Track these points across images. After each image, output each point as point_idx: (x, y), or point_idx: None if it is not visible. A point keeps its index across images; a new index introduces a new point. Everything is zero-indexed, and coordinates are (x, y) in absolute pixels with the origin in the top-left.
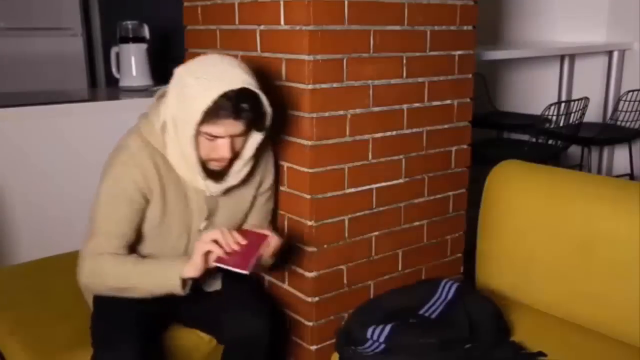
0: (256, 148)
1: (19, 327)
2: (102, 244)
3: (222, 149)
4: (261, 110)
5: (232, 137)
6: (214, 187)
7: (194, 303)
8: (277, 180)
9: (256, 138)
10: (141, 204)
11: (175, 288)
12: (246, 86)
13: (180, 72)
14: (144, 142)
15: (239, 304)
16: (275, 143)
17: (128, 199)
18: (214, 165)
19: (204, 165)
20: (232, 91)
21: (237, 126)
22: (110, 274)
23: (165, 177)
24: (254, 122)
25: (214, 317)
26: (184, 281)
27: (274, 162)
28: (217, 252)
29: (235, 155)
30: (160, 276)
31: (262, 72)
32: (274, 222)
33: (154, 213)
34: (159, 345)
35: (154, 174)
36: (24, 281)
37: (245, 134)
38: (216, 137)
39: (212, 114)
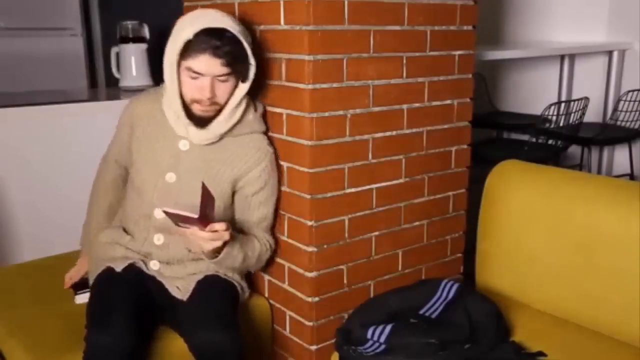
0: (241, 99)
1: (19, 327)
2: (109, 160)
3: (204, 88)
4: (243, 55)
5: (214, 78)
6: (195, 133)
7: (175, 308)
8: (279, 185)
9: (241, 89)
10: (128, 132)
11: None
12: (228, 28)
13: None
14: (154, 95)
15: (202, 316)
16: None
17: (123, 125)
18: (197, 109)
19: (188, 111)
20: (214, 28)
21: (217, 65)
22: (95, 183)
23: (153, 122)
24: (234, 66)
25: (184, 327)
26: None
27: (276, 165)
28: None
29: (219, 104)
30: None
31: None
32: (275, 223)
33: (133, 143)
34: (148, 337)
35: (144, 114)
36: (24, 281)
37: (228, 78)
38: (198, 73)
39: (193, 47)
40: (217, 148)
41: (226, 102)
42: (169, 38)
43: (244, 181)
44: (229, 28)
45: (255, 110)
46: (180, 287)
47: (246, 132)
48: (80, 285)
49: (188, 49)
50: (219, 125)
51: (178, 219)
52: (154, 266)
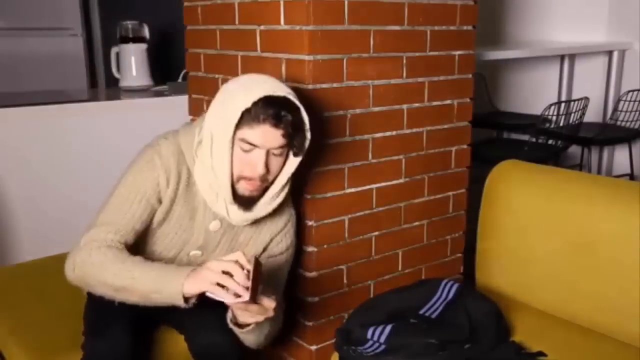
0: (290, 175)
1: (19, 327)
2: (102, 234)
3: (257, 164)
4: (302, 127)
5: (269, 152)
6: (237, 215)
7: (177, 309)
8: (300, 246)
9: (293, 163)
10: (154, 206)
11: (175, 298)
12: (290, 97)
13: (225, 84)
14: (177, 149)
15: (203, 317)
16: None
17: (144, 197)
18: (243, 188)
19: (232, 189)
20: (275, 96)
21: (275, 136)
22: (108, 266)
23: (182, 190)
24: (293, 137)
25: (185, 327)
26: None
27: (294, 228)
28: (230, 285)
29: (268, 181)
30: (163, 281)
31: None
32: None
33: (157, 215)
34: (148, 340)
35: (175, 181)
36: (24, 281)
37: (283, 152)
38: (252, 145)
39: (252, 115)
40: (248, 225)
41: (274, 179)
42: (217, 100)
43: (267, 247)
44: (289, 96)
45: (290, 184)
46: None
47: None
48: None
49: (244, 119)
50: (265, 206)
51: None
52: None
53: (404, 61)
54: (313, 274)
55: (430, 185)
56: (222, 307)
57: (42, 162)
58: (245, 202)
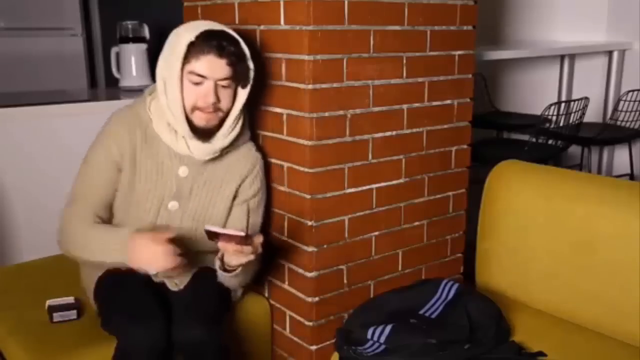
0: (242, 107)
1: (19, 327)
2: (75, 207)
3: (208, 93)
4: (243, 58)
5: (217, 83)
6: (198, 147)
7: (170, 299)
8: (270, 196)
9: (242, 94)
10: (112, 172)
11: (117, 255)
12: (228, 30)
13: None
14: (127, 116)
15: (186, 309)
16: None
17: (101, 168)
18: (199, 118)
19: (189, 123)
20: (215, 30)
21: (221, 65)
22: (75, 232)
23: (141, 147)
24: (237, 67)
25: (172, 317)
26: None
27: (262, 171)
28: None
29: (221, 112)
30: (108, 239)
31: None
32: (275, 223)
33: (123, 182)
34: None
35: (129, 145)
36: (24, 281)
37: (230, 84)
38: (201, 77)
39: (196, 49)
40: (215, 166)
41: (228, 112)
42: (164, 50)
43: (240, 189)
44: (228, 30)
45: (244, 118)
46: (178, 282)
47: (241, 143)
48: (57, 308)
49: (190, 53)
50: (223, 137)
51: (216, 236)
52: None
53: (404, 61)
54: (313, 274)
55: (430, 185)
56: (207, 298)
57: (42, 162)
58: (204, 134)
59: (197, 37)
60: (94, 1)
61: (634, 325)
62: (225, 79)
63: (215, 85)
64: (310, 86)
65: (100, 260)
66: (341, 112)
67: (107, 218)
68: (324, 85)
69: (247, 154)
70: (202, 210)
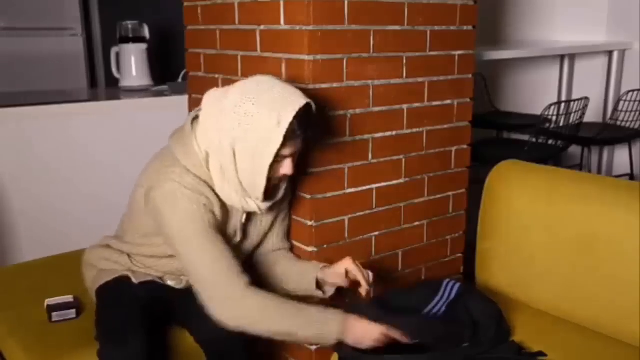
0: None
1: (19, 327)
2: (232, 286)
3: (288, 168)
4: (313, 120)
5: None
6: (264, 205)
7: (176, 302)
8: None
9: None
10: (217, 222)
11: (329, 342)
12: (309, 101)
13: (232, 97)
14: (189, 187)
15: (203, 307)
16: None
17: (212, 225)
18: (274, 187)
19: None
20: (300, 110)
21: (300, 142)
22: (266, 319)
23: (215, 211)
24: (308, 133)
25: (187, 318)
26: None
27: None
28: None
29: None
30: (321, 329)
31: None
32: None
33: None
34: (163, 340)
35: (212, 194)
36: (24, 281)
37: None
38: (285, 157)
39: (288, 137)
40: None
41: None
42: (233, 124)
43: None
44: (308, 101)
45: None
46: (184, 277)
47: None
48: (56, 307)
49: (285, 140)
50: (281, 190)
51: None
52: (171, 283)
53: (404, 61)
54: None
55: (430, 185)
56: None
57: (42, 162)
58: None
59: (291, 124)
60: (94, 1)
61: (634, 325)
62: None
63: (294, 157)
64: (310, 86)
65: (304, 337)
66: (341, 112)
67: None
68: (324, 85)
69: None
70: (254, 242)
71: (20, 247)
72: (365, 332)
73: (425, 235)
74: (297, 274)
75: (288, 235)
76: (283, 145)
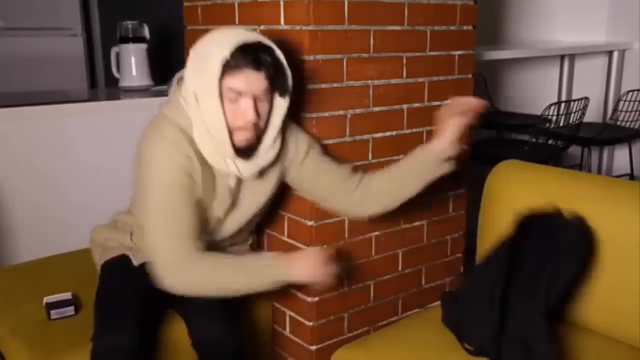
0: (283, 118)
1: (19, 327)
2: (179, 247)
3: (247, 111)
4: (281, 66)
5: (256, 97)
6: (245, 167)
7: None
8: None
9: (281, 105)
10: (193, 186)
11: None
12: (263, 41)
13: (194, 47)
14: (168, 139)
15: (202, 306)
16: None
17: (182, 186)
18: (239, 139)
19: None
20: (249, 42)
21: (259, 79)
22: (208, 279)
23: (195, 166)
24: (275, 78)
25: (186, 314)
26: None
27: (303, 132)
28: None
29: (260, 127)
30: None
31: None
32: (275, 223)
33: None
34: (157, 331)
35: (194, 155)
36: (24, 281)
37: (268, 96)
38: (239, 93)
39: (232, 65)
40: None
41: (266, 127)
42: (192, 63)
43: (287, 168)
44: (263, 40)
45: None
46: None
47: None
48: (54, 305)
49: (225, 70)
50: (266, 154)
51: None
52: None
53: (404, 61)
54: None
55: (430, 185)
56: (229, 300)
57: (42, 162)
58: (246, 152)
59: (232, 54)
60: (94, 1)
61: (634, 325)
62: (263, 90)
63: (254, 100)
64: (310, 86)
65: (254, 288)
66: (341, 112)
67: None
68: (324, 85)
69: (292, 141)
70: (253, 208)
71: (20, 247)
72: (308, 260)
73: (425, 235)
74: (407, 170)
75: (347, 169)
76: (229, 74)
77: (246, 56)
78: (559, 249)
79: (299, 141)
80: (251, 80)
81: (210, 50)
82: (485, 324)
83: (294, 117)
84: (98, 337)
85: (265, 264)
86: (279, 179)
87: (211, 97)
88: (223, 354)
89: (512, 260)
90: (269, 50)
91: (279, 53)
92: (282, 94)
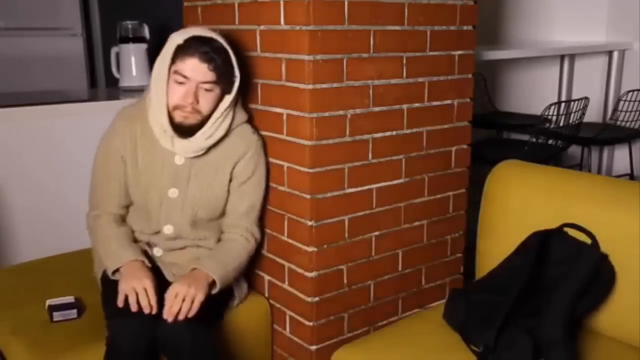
0: (225, 111)
1: (19, 327)
2: (97, 204)
3: (188, 93)
4: (230, 68)
5: (199, 85)
6: (180, 144)
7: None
8: (268, 178)
9: (226, 101)
10: (120, 164)
11: (111, 265)
12: (217, 38)
13: None
14: (131, 109)
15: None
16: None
17: (110, 162)
18: (178, 115)
19: (172, 120)
20: (205, 37)
21: (204, 70)
22: (94, 235)
23: (140, 143)
24: (220, 74)
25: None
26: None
27: (263, 152)
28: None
29: (200, 113)
30: (109, 256)
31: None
32: (275, 223)
33: (128, 174)
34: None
35: (128, 135)
36: (24, 281)
37: (213, 88)
38: (184, 77)
39: (184, 51)
40: (211, 151)
41: (210, 114)
42: (160, 53)
43: (234, 172)
44: (217, 38)
45: (236, 103)
46: (175, 272)
47: (235, 126)
48: (57, 307)
49: (178, 54)
50: (203, 136)
51: None
52: (157, 252)
53: (404, 61)
54: (313, 274)
55: (430, 185)
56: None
57: (42, 162)
58: (184, 131)
59: (186, 41)
60: (94, 1)
61: (634, 325)
62: (207, 82)
63: (197, 87)
64: (310, 86)
65: (101, 256)
66: (341, 112)
67: (128, 204)
68: (324, 85)
69: (242, 137)
70: (201, 196)
71: (20, 247)
72: (132, 274)
73: (425, 235)
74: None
75: (253, 221)
76: (179, 58)
77: (197, 47)
78: (583, 278)
79: (248, 160)
80: (196, 69)
81: (173, 37)
82: (495, 328)
83: (293, 117)
84: (114, 323)
85: (116, 254)
86: (230, 179)
87: (160, 75)
88: (182, 352)
89: (532, 275)
90: (220, 49)
91: (230, 54)
92: (227, 92)
